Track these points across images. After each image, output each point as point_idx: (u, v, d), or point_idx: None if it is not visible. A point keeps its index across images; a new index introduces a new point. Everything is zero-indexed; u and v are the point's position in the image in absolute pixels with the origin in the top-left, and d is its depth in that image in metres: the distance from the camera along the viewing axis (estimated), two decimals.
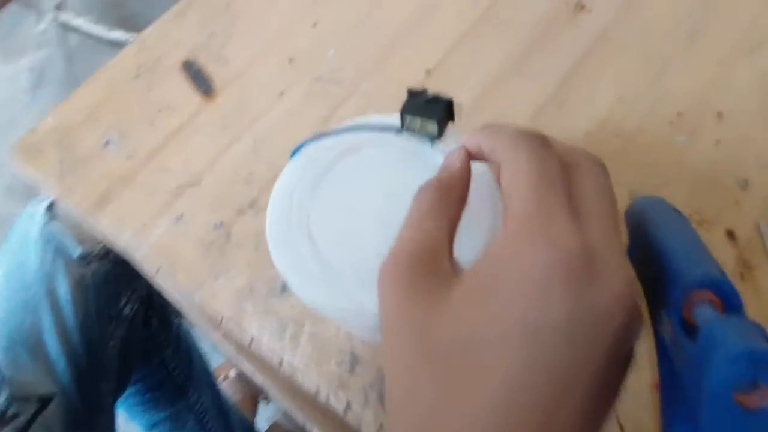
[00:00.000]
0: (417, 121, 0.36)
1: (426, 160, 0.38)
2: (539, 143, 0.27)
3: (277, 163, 0.48)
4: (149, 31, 0.58)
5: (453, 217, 0.29)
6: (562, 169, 0.27)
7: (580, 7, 0.52)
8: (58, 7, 1.67)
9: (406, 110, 0.36)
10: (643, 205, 0.34)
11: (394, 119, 0.39)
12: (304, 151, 0.39)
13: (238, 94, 0.52)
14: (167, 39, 0.57)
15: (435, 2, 0.55)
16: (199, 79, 0.54)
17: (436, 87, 0.50)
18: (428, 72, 0.51)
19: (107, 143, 0.51)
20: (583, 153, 0.29)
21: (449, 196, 0.29)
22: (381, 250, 0.34)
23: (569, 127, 0.46)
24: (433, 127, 0.36)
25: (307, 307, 0.40)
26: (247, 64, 0.54)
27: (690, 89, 0.47)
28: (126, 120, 0.52)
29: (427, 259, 0.26)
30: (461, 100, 0.48)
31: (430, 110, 0.36)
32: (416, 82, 0.50)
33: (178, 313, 0.71)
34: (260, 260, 0.43)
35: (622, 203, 0.42)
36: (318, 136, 0.38)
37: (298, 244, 0.35)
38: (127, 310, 0.62)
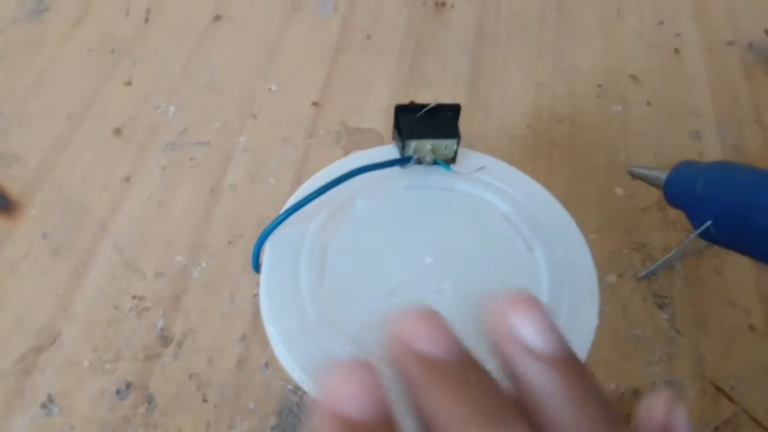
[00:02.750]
0: (426, 146, 0.28)
1: (449, 193, 0.29)
2: None
3: (170, 268, 0.34)
4: None
5: None
6: None
7: (441, 4, 0.49)
8: None
9: (407, 134, 0.27)
10: (694, 169, 0.31)
11: (385, 151, 0.29)
12: (272, 242, 0.27)
13: (57, 198, 0.37)
14: None
15: (275, 30, 0.47)
16: None
17: (332, 118, 0.41)
18: (316, 104, 0.42)
19: None
20: None
21: None
22: (470, 329, 0.25)
23: (507, 125, 0.41)
24: (450, 147, 0.28)
25: None
26: (51, 155, 0.39)
27: (592, 60, 0.46)
28: None
29: None
30: (372, 123, 0.40)
31: (437, 127, 0.28)
32: (306, 117, 0.41)
33: None
34: (230, 406, 0.29)
35: (622, 182, 0.40)
36: (291, 209, 0.27)
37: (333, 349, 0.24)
38: None
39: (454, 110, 0.28)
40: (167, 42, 0.46)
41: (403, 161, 0.28)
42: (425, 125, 0.29)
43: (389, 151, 0.30)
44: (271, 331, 0.25)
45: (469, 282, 0.27)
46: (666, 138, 0.42)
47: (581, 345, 0.25)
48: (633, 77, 0.45)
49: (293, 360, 0.24)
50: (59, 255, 0.35)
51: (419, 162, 0.29)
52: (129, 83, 0.43)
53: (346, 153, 0.40)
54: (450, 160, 0.29)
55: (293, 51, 0.46)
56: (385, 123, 0.42)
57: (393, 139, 0.30)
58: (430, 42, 0.47)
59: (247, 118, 0.42)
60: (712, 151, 0.41)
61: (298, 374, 0.24)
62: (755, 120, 0.43)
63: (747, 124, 0.43)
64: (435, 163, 0.29)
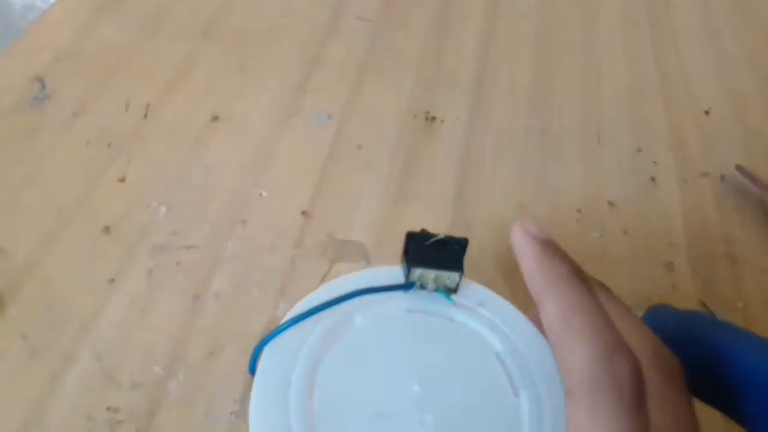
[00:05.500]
0: (430, 275, 0.29)
1: (447, 322, 0.30)
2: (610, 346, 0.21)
3: (147, 379, 0.34)
4: None
5: None
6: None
7: (431, 119, 0.51)
8: None
9: (413, 261, 0.29)
10: (665, 317, 0.32)
11: (391, 272, 0.30)
12: (270, 348, 0.28)
13: (40, 297, 0.37)
14: None
15: (271, 133, 0.49)
16: None
17: (319, 228, 0.43)
18: (305, 213, 0.43)
19: None
20: (653, 359, 0.23)
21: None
22: None
23: (489, 245, 0.43)
24: (452, 279, 0.29)
25: None
26: (38, 251, 0.39)
27: (572, 184, 0.48)
28: None
29: None
30: (359, 236, 0.42)
31: (443, 258, 0.29)
32: (294, 226, 0.42)
33: None
34: None
35: None
36: (288, 323, 0.28)
37: None
38: None
39: (461, 244, 0.30)
40: (164, 140, 0.48)
41: (406, 287, 0.30)
42: (432, 255, 0.30)
43: (395, 272, 0.31)
44: None
45: (452, 418, 0.28)
46: (641, 268, 0.44)
47: None
48: (611, 203, 0.47)
49: None
50: (37, 358, 0.35)
51: (422, 287, 0.30)
52: (123, 180, 0.44)
53: (331, 266, 0.41)
54: (451, 291, 0.30)
55: (286, 156, 0.48)
56: (371, 237, 0.43)
57: (401, 261, 0.31)
58: (419, 156, 0.49)
59: (236, 224, 0.43)
60: (685, 284, 0.43)
61: None
62: (726, 254, 0.45)
63: (718, 258, 0.45)
64: (437, 290, 0.30)
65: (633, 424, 0.20)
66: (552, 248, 0.24)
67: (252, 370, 0.29)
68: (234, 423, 0.33)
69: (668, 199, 0.49)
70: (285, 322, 0.29)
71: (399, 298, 0.32)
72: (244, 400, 0.34)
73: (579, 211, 0.47)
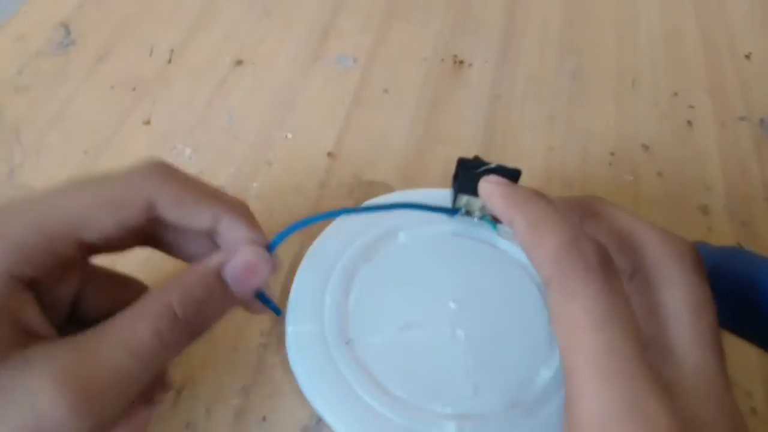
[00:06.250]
0: (476, 202, 0.29)
1: (491, 248, 0.30)
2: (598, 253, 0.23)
3: None
4: None
5: None
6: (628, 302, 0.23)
7: (459, 63, 0.50)
8: None
9: (461, 188, 0.28)
10: (702, 253, 0.31)
11: (441, 195, 0.30)
12: (312, 253, 0.28)
13: None
14: None
15: (295, 77, 0.48)
16: None
17: (345, 169, 0.42)
18: (331, 155, 0.43)
19: None
20: (660, 246, 0.25)
21: None
22: (471, 379, 0.25)
23: None
24: None
25: None
26: None
27: (605, 128, 0.47)
28: None
29: None
30: (385, 177, 0.41)
31: None
32: (319, 167, 0.42)
33: None
34: None
35: None
36: (323, 215, 0.28)
37: (346, 377, 0.25)
38: None
39: (514, 174, 0.29)
40: (188, 83, 0.47)
41: (450, 212, 0.29)
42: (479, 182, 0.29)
43: (444, 196, 0.31)
44: (289, 331, 0.26)
45: (483, 337, 0.28)
46: (675, 211, 0.43)
47: None
48: (645, 147, 0.46)
49: (301, 365, 0.25)
50: None
51: (468, 214, 0.29)
52: (147, 122, 0.45)
53: (357, 205, 0.41)
54: (497, 220, 0.30)
55: (311, 100, 0.47)
56: (397, 178, 0.42)
57: (451, 186, 0.31)
58: (446, 99, 0.48)
59: (261, 165, 0.43)
60: (721, 227, 0.42)
61: (303, 380, 0.25)
62: (764, 197, 0.44)
63: (756, 202, 0.44)
64: (482, 218, 0.29)
65: (603, 289, 0.22)
66: (510, 183, 0.27)
67: (272, 246, 0.28)
68: (262, 355, 0.34)
69: (705, 143, 0.47)
70: (320, 214, 0.29)
71: (444, 221, 0.32)
72: (271, 334, 0.34)
73: (612, 154, 0.45)
